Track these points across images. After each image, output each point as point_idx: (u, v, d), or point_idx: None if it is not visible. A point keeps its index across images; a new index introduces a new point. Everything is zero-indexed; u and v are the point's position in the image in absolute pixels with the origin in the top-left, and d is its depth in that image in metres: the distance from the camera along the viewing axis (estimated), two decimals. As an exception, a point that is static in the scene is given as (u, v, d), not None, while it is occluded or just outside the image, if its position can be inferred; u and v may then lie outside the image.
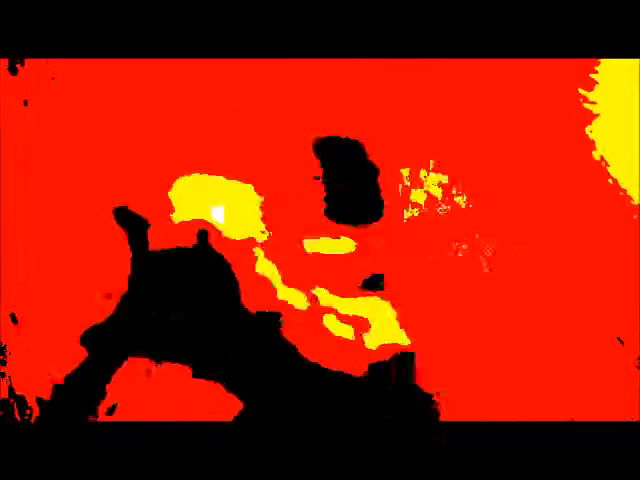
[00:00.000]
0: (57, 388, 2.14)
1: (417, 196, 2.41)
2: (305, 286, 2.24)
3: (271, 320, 2.18)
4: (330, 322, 2.22)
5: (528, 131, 2.47)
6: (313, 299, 2.21)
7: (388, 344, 2.18)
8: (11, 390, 2.23)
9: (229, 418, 2.18)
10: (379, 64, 2.40)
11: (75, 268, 2.30)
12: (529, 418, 2.28)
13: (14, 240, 2.30)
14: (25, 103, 2.25)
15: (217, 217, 2.23)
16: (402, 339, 2.17)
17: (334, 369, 2.17)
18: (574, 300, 2.37)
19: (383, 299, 2.23)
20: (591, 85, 2.50)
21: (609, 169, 2.47)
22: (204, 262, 2.19)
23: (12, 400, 2.21)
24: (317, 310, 2.23)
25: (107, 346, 2.16)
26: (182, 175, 2.32)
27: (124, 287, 2.25)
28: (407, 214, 2.34)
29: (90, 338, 2.18)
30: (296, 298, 2.23)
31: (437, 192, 2.40)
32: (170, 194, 2.26)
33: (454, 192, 2.41)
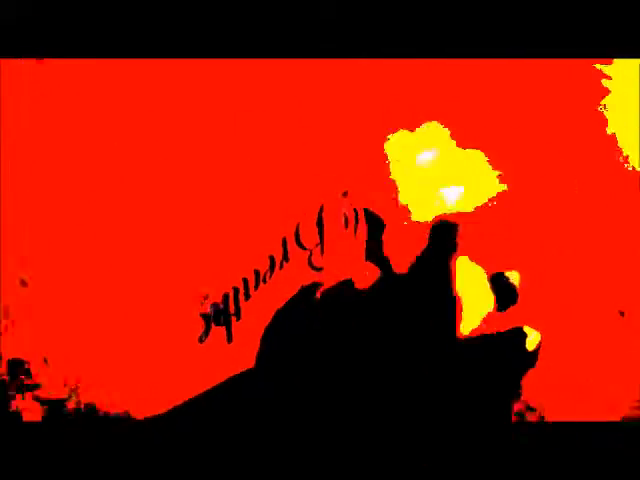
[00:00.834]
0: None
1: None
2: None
3: None
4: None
5: (528, 130, 2.47)
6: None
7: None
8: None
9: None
10: (379, 64, 2.40)
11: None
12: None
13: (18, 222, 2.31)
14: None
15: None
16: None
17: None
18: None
19: None
20: (595, 84, 2.50)
21: (610, 166, 2.47)
22: None
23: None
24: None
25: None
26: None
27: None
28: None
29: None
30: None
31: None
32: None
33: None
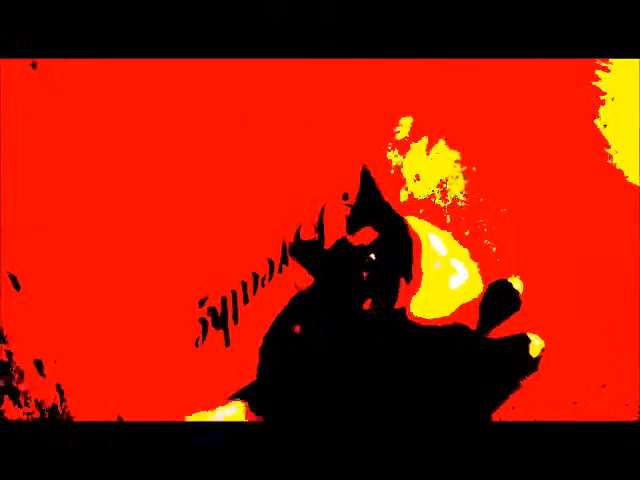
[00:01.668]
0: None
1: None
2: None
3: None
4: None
5: (528, 130, 2.47)
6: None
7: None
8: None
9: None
10: (379, 64, 2.40)
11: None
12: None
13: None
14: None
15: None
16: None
17: None
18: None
19: None
20: (595, 84, 2.50)
21: (612, 162, 2.47)
22: None
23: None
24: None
25: None
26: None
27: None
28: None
29: None
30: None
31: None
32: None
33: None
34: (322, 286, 2.18)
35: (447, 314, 2.16)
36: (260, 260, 2.28)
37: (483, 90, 2.45)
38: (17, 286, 2.25)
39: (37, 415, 2.24)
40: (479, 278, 2.23)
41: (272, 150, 2.33)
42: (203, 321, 2.25)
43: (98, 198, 2.31)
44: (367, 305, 2.16)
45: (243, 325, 2.27)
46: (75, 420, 2.25)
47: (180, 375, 2.26)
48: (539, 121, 2.46)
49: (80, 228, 2.30)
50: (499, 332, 2.22)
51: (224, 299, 2.26)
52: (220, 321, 2.25)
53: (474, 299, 2.19)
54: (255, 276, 2.27)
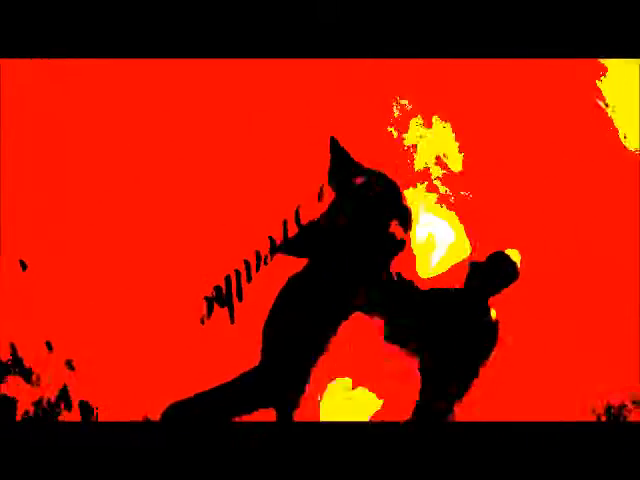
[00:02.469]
0: None
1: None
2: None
3: None
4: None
5: (528, 130, 2.49)
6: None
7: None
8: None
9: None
10: (379, 64, 2.46)
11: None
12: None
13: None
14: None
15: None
16: None
17: None
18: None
19: None
20: (595, 84, 2.53)
21: (611, 164, 2.47)
22: None
23: None
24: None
25: None
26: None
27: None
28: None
29: None
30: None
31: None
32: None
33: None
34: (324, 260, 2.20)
35: (440, 272, 2.19)
36: (261, 239, 2.32)
37: (483, 90, 2.49)
38: (24, 266, 2.32)
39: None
40: (466, 240, 2.26)
41: (275, 139, 2.40)
42: (208, 300, 2.30)
43: (110, 184, 2.38)
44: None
45: (247, 302, 2.30)
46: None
47: (187, 352, 2.30)
48: (539, 121, 2.49)
49: (82, 218, 2.37)
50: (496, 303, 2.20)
51: (228, 277, 2.30)
52: (225, 299, 2.29)
53: (463, 259, 2.21)
54: (258, 255, 2.31)
